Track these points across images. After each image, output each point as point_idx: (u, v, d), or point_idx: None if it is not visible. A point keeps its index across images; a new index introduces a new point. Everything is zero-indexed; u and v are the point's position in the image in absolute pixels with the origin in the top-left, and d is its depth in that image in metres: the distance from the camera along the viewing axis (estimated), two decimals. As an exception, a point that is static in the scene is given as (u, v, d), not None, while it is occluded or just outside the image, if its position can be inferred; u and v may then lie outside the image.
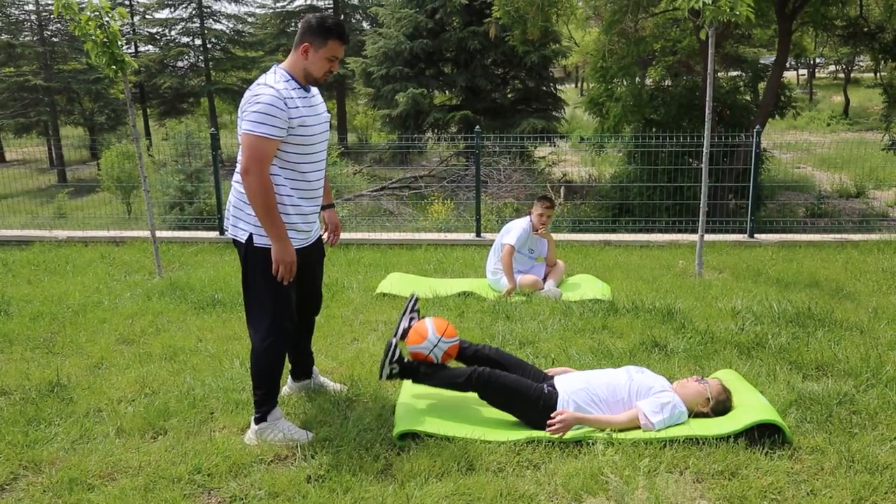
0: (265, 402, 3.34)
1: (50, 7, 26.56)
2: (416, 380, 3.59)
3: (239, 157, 3.28)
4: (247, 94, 3.20)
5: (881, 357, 4.17)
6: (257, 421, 3.34)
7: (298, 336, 3.63)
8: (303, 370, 3.84)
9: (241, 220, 3.29)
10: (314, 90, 3.40)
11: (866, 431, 3.32)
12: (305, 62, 3.24)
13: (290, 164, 3.26)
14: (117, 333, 4.91)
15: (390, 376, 3.54)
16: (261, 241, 3.24)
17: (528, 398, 3.42)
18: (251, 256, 3.26)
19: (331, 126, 3.56)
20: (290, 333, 3.38)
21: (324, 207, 3.68)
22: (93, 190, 17.44)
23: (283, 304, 3.30)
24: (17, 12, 29.23)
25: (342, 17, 31.62)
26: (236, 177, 3.30)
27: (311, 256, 3.53)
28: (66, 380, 4.07)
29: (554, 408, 3.37)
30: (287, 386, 3.86)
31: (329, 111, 3.53)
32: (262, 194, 3.14)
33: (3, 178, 14.18)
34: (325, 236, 3.76)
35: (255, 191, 3.13)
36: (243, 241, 3.27)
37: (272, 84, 3.15)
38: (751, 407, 3.38)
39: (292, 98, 3.17)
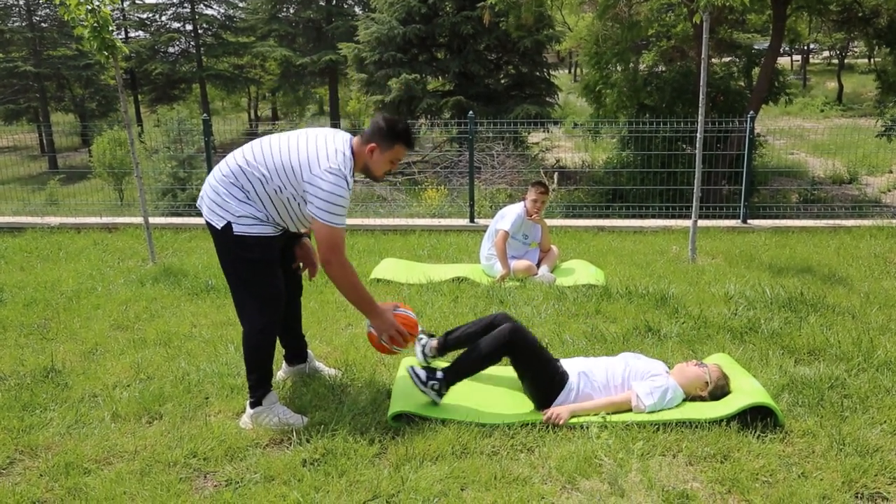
0: (259, 386, 3.35)
1: (39, -9, 26.28)
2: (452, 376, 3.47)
3: (242, 158, 3.24)
4: (319, 157, 3.14)
5: (872, 341, 4.21)
6: (252, 405, 3.34)
7: (287, 320, 3.63)
8: (297, 354, 3.85)
9: (218, 207, 3.25)
10: None
11: (857, 415, 3.35)
12: (370, 160, 3.30)
13: (292, 214, 3.27)
14: (111, 319, 4.91)
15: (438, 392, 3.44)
16: (240, 229, 3.21)
17: (548, 368, 3.46)
18: (232, 245, 3.24)
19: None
20: (280, 316, 3.39)
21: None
22: (84, 177, 17.31)
23: (270, 288, 3.30)
24: (4, -3, 28.94)
25: (334, 2, 31.38)
26: (228, 159, 3.28)
27: (284, 239, 3.53)
28: (61, 365, 4.07)
29: (562, 387, 3.41)
30: (282, 370, 3.87)
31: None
32: (348, 280, 3.26)
33: (-7, 165, 14.04)
34: (303, 272, 3.72)
35: (340, 279, 3.24)
36: (219, 228, 3.24)
37: (346, 172, 3.15)
38: (744, 390, 3.41)
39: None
